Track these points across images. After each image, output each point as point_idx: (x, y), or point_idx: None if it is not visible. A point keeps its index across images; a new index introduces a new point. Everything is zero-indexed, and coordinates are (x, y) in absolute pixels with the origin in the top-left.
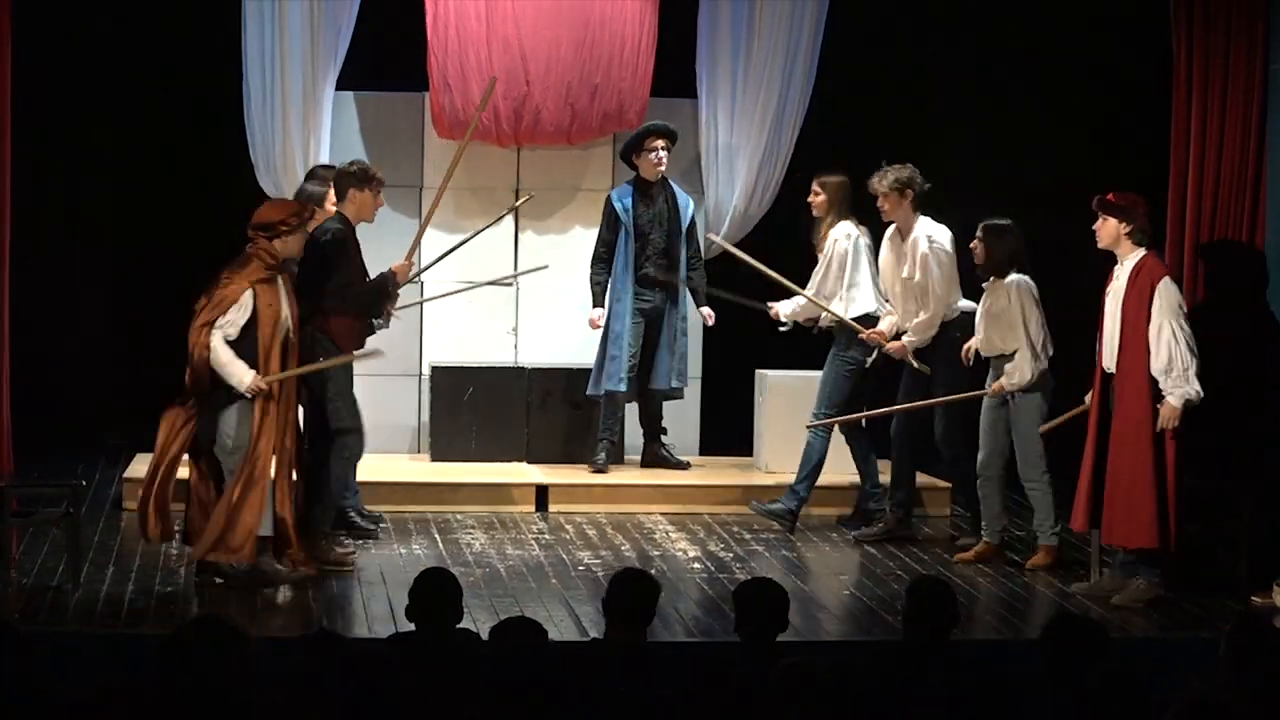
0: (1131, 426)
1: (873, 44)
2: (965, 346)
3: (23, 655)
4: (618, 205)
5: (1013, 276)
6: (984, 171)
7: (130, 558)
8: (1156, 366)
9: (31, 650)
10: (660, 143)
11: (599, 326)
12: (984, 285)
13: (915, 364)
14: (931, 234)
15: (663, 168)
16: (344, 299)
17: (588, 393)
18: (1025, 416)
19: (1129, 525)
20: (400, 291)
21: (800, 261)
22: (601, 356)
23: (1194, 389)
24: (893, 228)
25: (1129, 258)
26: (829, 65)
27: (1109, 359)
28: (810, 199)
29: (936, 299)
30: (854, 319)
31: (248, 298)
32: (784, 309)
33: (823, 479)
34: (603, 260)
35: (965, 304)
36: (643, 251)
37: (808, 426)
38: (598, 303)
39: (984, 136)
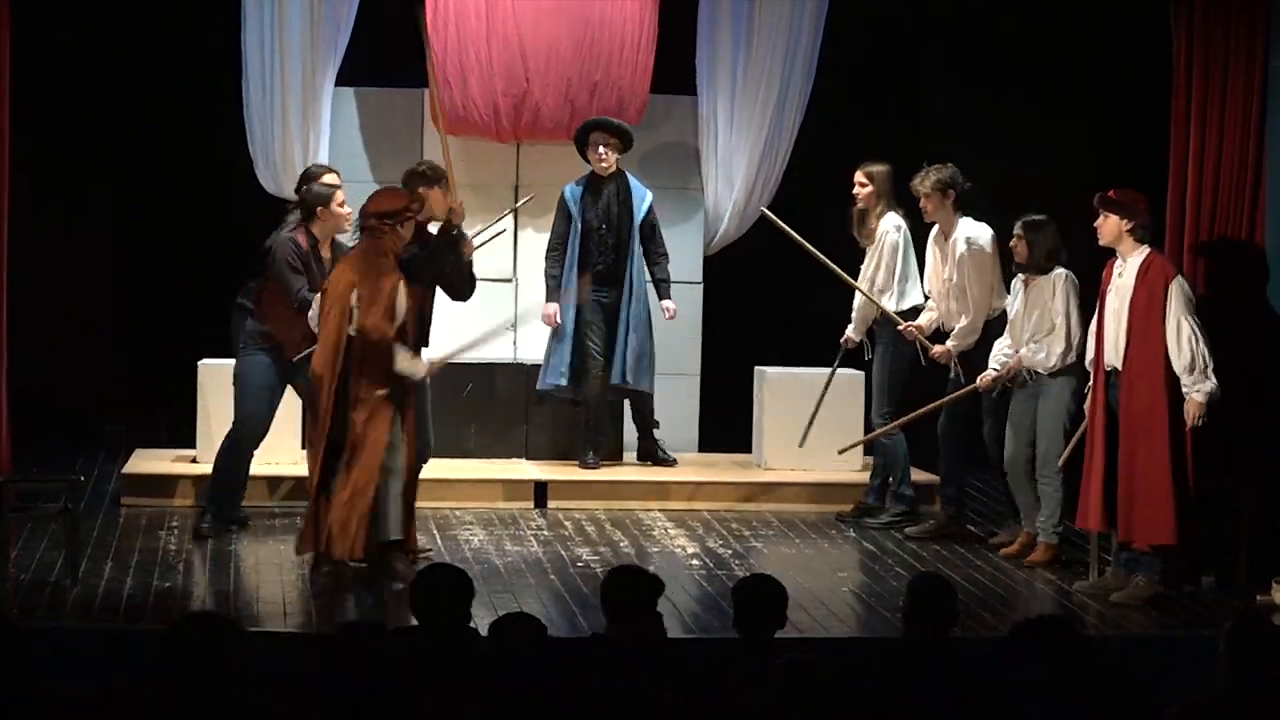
0: (1146, 424)
1: (872, 41)
2: (914, 326)
3: (21, 651)
4: (569, 199)
5: (1057, 270)
6: (983, 168)
7: (129, 553)
8: (1180, 365)
9: (30, 646)
10: (601, 138)
11: (553, 320)
12: (1024, 280)
13: (956, 368)
14: (971, 235)
15: (605, 164)
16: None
17: (537, 387)
18: (1052, 413)
19: (1151, 524)
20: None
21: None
22: (548, 350)
23: (1214, 384)
24: (936, 228)
25: (1133, 255)
26: (828, 62)
27: (1112, 356)
28: (856, 190)
29: (976, 302)
30: (902, 312)
31: (402, 286)
32: (855, 333)
33: (822, 476)
34: (555, 253)
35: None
36: (590, 246)
37: (877, 435)
38: (551, 296)
39: (983, 133)
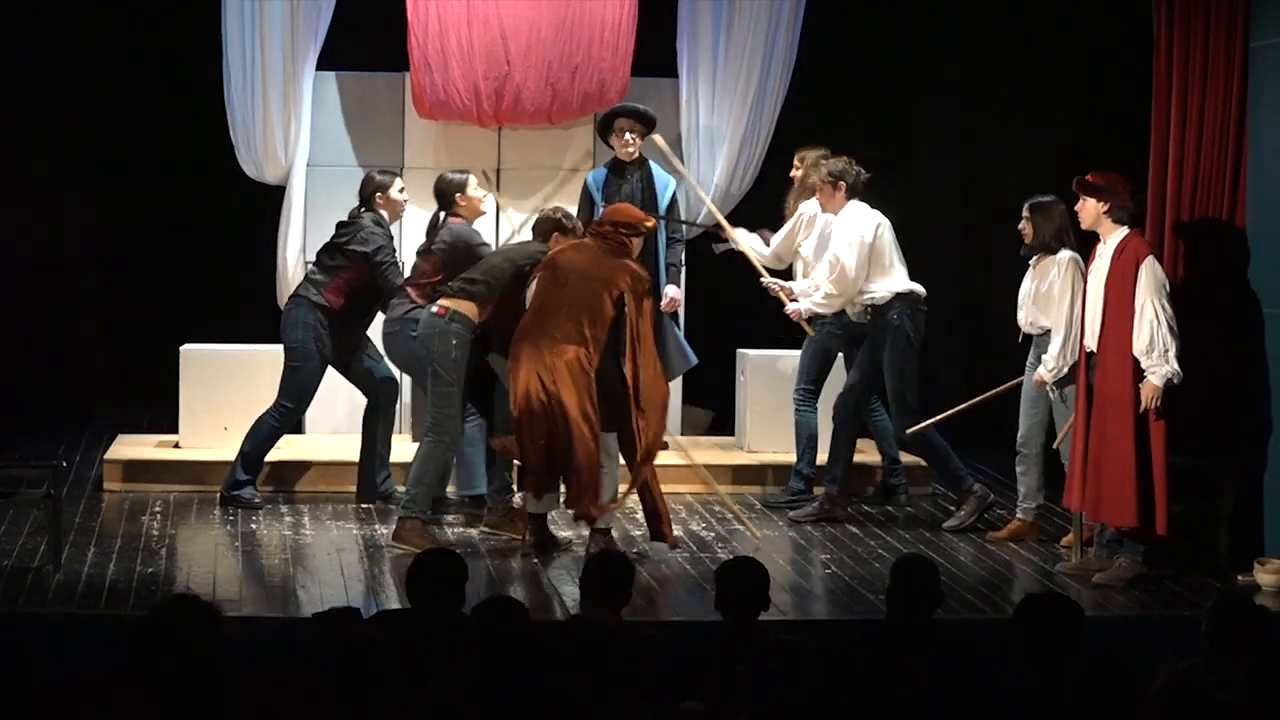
0: (1114, 404)
1: (854, 21)
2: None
3: (3, 636)
4: (592, 187)
5: (1063, 253)
6: (967, 149)
7: (111, 539)
8: (1138, 346)
9: (12, 631)
10: (627, 125)
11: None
12: (1030, 264)
13: (807, 326)
14: (852, 218)
15: (631, 149)
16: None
17: None
18: (1066, 398)
19: (1114, 504)
20: None
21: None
22: None
23: (1173, 369)
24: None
25: (1111, 237)
26: (810, 43)
27: (1091, 338)
28: (793, 173)
29: (843, 274)
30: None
31: None
32: (797, 301)
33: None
34: None
35: (904, 286)
36: None
37: (909, 432)
38: None
39: (966, 115)
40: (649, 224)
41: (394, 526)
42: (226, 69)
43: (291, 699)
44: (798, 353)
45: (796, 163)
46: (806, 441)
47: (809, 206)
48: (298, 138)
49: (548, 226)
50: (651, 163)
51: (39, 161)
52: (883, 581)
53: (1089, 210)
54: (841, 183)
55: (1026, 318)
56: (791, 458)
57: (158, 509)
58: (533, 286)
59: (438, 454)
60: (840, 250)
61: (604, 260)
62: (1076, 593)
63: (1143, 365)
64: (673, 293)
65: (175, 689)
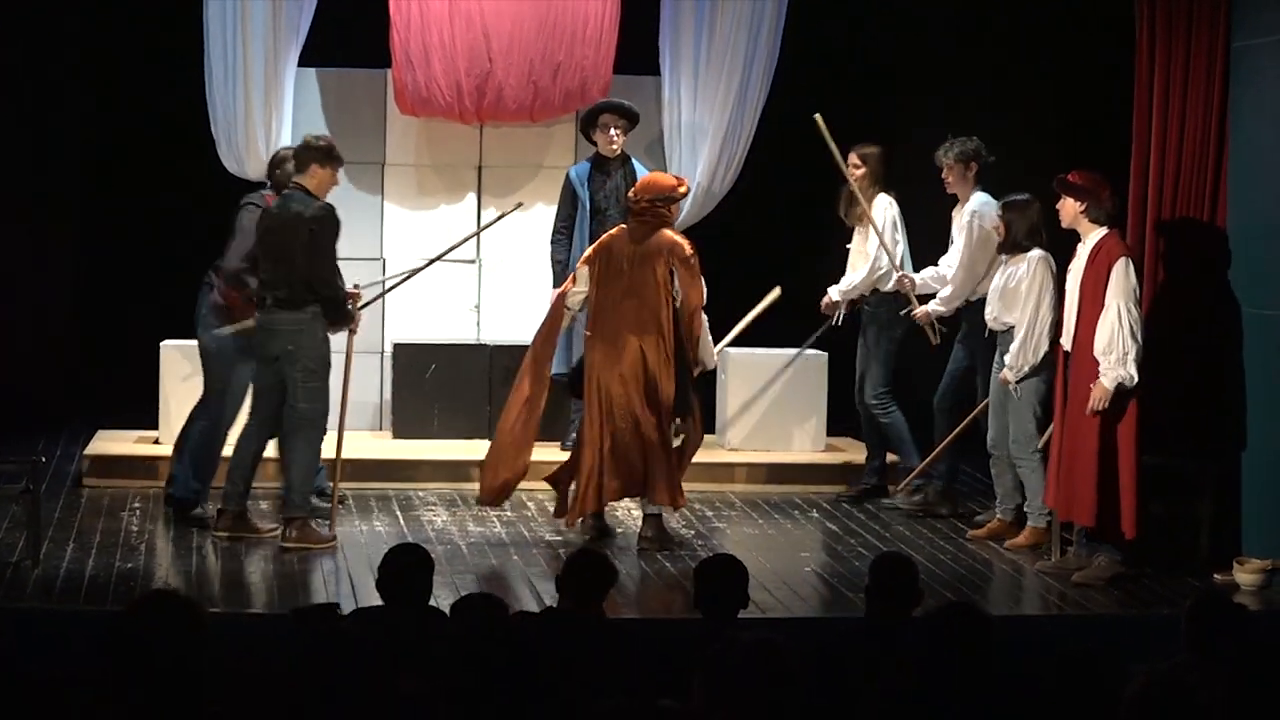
0: (1084, 404)
1: (837, 21)
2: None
3: None
4: (575, 181)
5: (1034, 251)
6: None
7: (90, 535)
8: (1098, 346)
9: None
10: (612, 120)
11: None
12: (1003, 259)
13: (931, 332)
14: (976, 209)
15: (616, 145)
16: (329, 299)
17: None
18: (1023, 395)
19: (1080, 503)
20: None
21: (767, 237)
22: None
23: (1128, 373)
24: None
25: (1090, 236)
26: (793, 41)
27: (1066, 338)
28: (850, 171)
29: (965, 269)
30: (893, 292)
31: None
32: (838, 294)
33: (784, 456)
34: (562, 237)
35: None
36: (601, 228)
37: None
38: (558, 282)
39: (948, 115)
40: (683, 189)
41: (292, 531)
42: (208, 65)
43: (269, 696)
44: (779, 351)
45: (856, 162)
46: (905, 441)
47: (883, 201)
48: (279, 134)
49: (307, 156)
50: (634, 160)
51: (19, 158)
52: (862, 579)
53: (1068, 210)
54: (974, 164)
55: (992, 313)
56: (771, 457)
57: (137, 505)
58: (581, 283)
59: (315, 448)
60: (965, 248)
61: (650, 237)
62: (1058, 592)
63: (1100, 367)
64: None
65: (155, 686)
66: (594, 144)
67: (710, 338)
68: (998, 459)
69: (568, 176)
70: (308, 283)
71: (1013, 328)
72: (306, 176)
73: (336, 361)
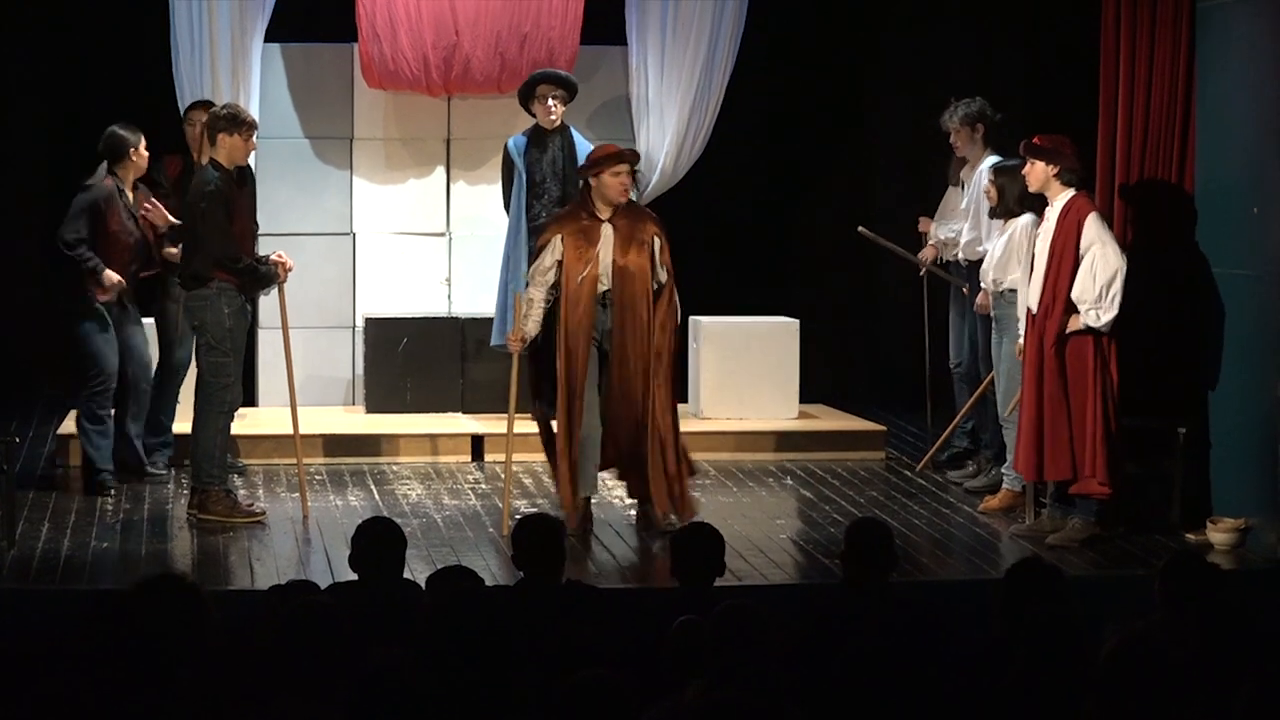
0: (1052, 363)
1: None
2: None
3: None
4: (513, 152)
5: (1025, 216)
6: (919, 114)
7: (65, 514)
8: (1076, 292)
9: None
10: (549, 90)
11: None
12: (996, 227)
13: (960, 282)
14: (991, 166)
15: (554, 116)
16: (239, 272)
17: (491, 343)
18: (1008, 358)
19: (1052, 461)
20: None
21: (744, 207)
22: (499, 307)
23: (1107, 317)
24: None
25: (1059, 199)
26: (759, 11)
27: (1034, 300)
28: (952, 140)
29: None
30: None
31: None
32: (942, 231)
33: (759, 424)
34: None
35: None
36: (538, 200)
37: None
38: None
39: (917, 80)
40: (630, 156)
41: (195, 499)
42: (174, 41)
43: (249, 672)
44: (751, 319)
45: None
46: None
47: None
48: (247, 110)
49: (214, 127)
50: (573, 129)
51: None
52: (837, 545)
53: (1037, 173)
54: (980, 124)
55: (992, 277)
56: (746, 424)
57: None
58: (554, 260)
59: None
60: (984, 201)
61: (630, 213)
62: (1031, 553)
63: (1080, 309)
64: None
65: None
66: (533, 115)
67: None
68: (1008, 423)
69: (506, 147)
70: (214, 259)
71: (1006, 289)
72: (216, 149)
73: (268, 338)
